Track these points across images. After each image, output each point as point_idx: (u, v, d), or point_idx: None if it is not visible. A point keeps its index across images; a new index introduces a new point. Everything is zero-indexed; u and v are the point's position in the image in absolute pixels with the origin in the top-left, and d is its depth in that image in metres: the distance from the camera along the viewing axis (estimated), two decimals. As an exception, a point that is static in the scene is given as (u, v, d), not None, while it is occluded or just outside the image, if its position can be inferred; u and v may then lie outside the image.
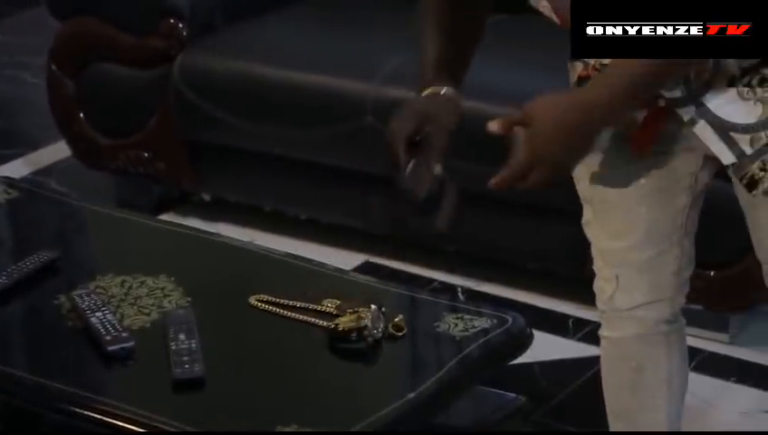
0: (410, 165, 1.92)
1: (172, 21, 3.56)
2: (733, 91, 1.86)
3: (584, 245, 2.23)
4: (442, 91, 1.97)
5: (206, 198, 3.73)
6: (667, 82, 1.85)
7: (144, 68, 3.61)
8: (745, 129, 1.87)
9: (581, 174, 2.07)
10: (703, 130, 1.89)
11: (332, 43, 3.55)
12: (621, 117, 1.90)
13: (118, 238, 2.44)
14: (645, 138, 1.95)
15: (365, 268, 3.37)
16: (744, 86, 1.85)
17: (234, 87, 3.48)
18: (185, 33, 3.55)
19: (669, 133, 1.95)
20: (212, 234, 2.61)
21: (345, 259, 3.37)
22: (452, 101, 1.98)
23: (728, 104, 1.86)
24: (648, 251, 2.07)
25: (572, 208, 2.23)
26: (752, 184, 1.90)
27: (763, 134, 1.87)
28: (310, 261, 2.30)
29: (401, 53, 3.40)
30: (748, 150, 1.88)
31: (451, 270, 3.39)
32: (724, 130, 1.88)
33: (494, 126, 1.81)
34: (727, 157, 1.90)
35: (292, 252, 2.39)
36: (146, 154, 3.66)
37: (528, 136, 1.78)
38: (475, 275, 3.36)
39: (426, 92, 1.98)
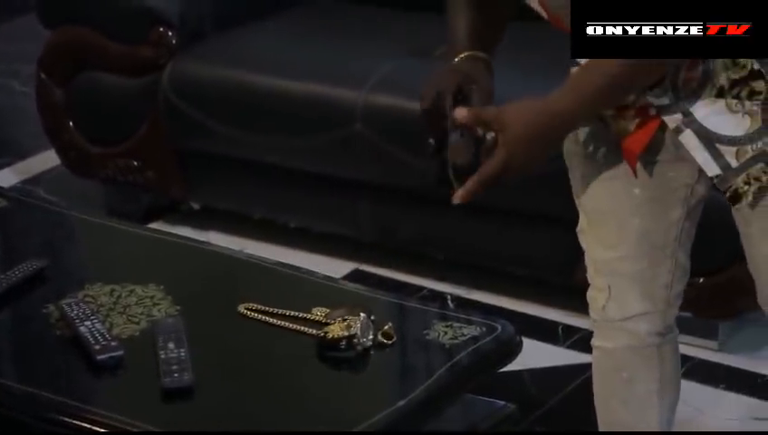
0: (455, 135, 1.85)
1: (161, 29, 3.56)
2: (721, 103, 1.85)
3: (574, 252, 2.23)
4: (479, 55, 1.96)
5: (196, 206, 3.73)
6: (639, 87, 1.85)
7: (133, 76, 3.61)
8: (732, 141, 1.87)
9: (577, 182, 2.07)
10: (689, 140, 1.89)
11: (322, 51, 3.55)
12: (592, 119, 1.91)
13: (107, 247, 2.43)
14: (636, 146, 1.95)
15: (354, 276, 3.37)
16: (733, 98, 1.84)
17: (223, 95, 3.48)
18: (174, 42, 3.55)
19: (661, 142, 1.96)
20: (201, 242, 2.61)
21: (335, 267, 3.37)
22: (489, 66, 1.96)
23: (716, 115, 1.86)
24: (641, 262, 2.06)
25: (562, 215, 2.25)
26: (735, 197, 1.90)
27: (749, 147, 1.86)
28: (299, 269, 2.30)
29: (391, 60, 3.41)
30: (733, 163, 1.88)
31: (441, 278, 3.39)
32: (711, 140, 1.88)
33: (462, 114, 1.81)
34: (712, 168, 1.90)
35: (282, 260, 2.39)
36: (135, 163, 3.66)
37: (502, 143, 1.79)
38: (465, 282, 3.36)
39: (462, 56, 1.96)
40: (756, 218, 1.91)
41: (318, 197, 3.48)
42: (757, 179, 1.88)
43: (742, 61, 1.81)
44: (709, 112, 1.85)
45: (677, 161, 1.96)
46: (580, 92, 1.81)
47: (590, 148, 2.02)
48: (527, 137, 1.79)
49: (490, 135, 1.80)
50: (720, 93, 1.85)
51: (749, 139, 1.86)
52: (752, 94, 1.84)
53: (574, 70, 1.92)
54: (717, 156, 1.88)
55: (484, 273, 3.33)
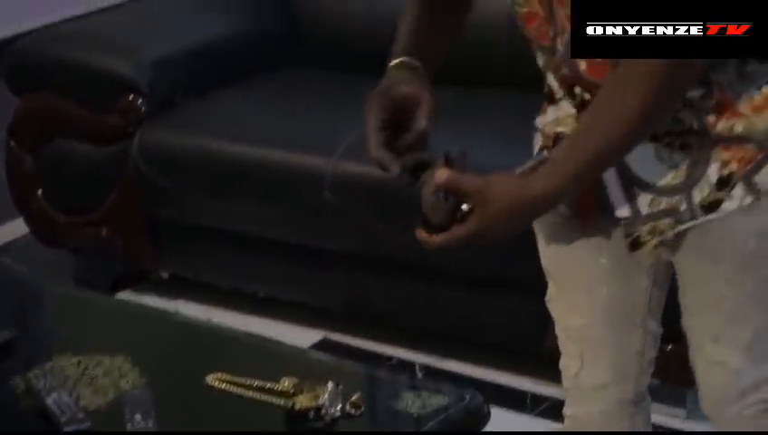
0: (435, 195, 1.80)
1: (131, 97, 3.57)
2: (651, 148, 1.84)
3: (542, 320, 2.24)
4: (408, 62, 1.90)
5: (165, 275, 3.73)
6: (616, 161, 1.84)
7: (103, 144, 3.62)
8: (650, 188, 1.86)
9: (546, 251, 2.07)
10: (609, 174, 1.88)
11: (291, 119, 3.57)
12: (572, 198, 1.89)
13: (75, 317, 2.42)
14: (586, 205, 1.94)
15: (323, 345, 3.37)
16: (665, 146, 1.84)
17: (193, 163, 3.49)
18: (144, 109, 3.56)
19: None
20: (169, 312, 2.61)
21: (304, 336, 3.37)
22: (420, 73, 1.89)
23: (642, 158, 1.85)
24: (612, 331, 2.06)
25: (531, 283, 2.24)
26: (635, 244, 1.90)
27: (664, 199, 1.86)
28: (267, 339, 2.29)
29: (360, 128, 3.42)
30: (644, 210, 1.87)
31: (411, 346, 3.39)
32: (630, 181, 1.87)
33: (441, 178, 1.76)
34: (622, 209, 1.89)
35: (251, 329, 2.39)
36: (104, 231, 3.65)
37: (479, 215, 1.76)
38: (436, 350, 3.37)
39: (392, 63, 1.91)
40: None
41: (287, 265, 3.48)
42: (661, 233, 1.88)
43: (684, 117, 1.81)
44: (637, 154, 1.83)
45: None
46: (565, 173, 1.76)
47: (555, 215, 2.02)
48: (506, 216, 1.76)
49: (467, 206, 1.77)
50: (654, 138, 1.84)
51: (667, 191, 1.85)
52: (683, 147, 1.83)
53: (538, 135, 1.92)
54: (631, 198, 1.88)
55: (455, 341, 3.34)
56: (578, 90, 1.87)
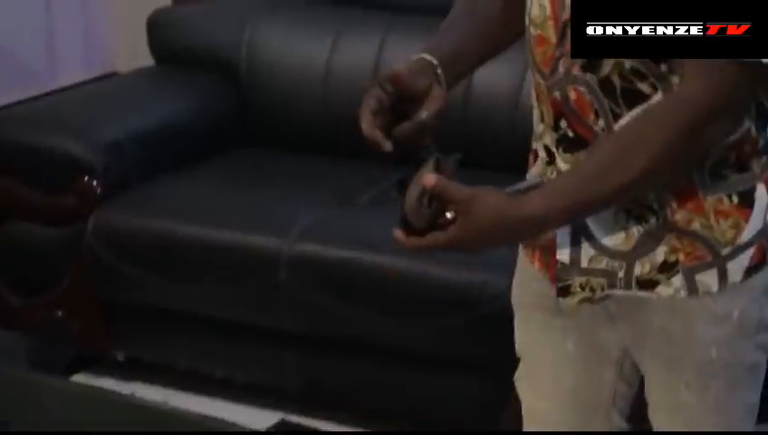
0: (420, 198, 1.76)
1: (86, 179, 3.56)
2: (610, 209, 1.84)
3: (499, 401, 2.23)
4: (427, 59, 1.88)
5: (120, 357, 3.70)
6: (607, 208, 1.83)
7: (57, 226, 3.60)
8: (595, 244, 1.86)
9: (520, 328, 2.06)
10: None
11: (247, 200, 3.57)
12: (555, 229, 1.87)
13: (28, 401, 2.40)
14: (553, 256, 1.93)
15: (281, 427, 3.35)
16: (624, 209, 1.84)
17: (148, 245, 3.48)
18: (98, 191, 3.55)
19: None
20: (125, 395, 2.58)
21: (261, 418, 3.35)
22: (437, 73, 1.88)
23: (597, 215, 1.85)
24: (575, 419, 2.04)
25: (487, 365, 2.25)
26: (564, 292, 1.90)
27: (605, 259, 1.86)
28: (224, 422, 2.28)
29: (315, 209, 3.44)
30: (584, 263, 1.87)
31: (368, 426, 3.38)
32: (579, 230, 1.87)
33: (430, 183, 1.73)
34: (564, 254, 1.88)
35: (208, 411, 2.37)
36: (59, 313, 3.63)
37: (461, 225, 1.74)
38: (392, 430, 3.35)
39: (415, 57, 1.89)
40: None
41: (243, 346, 3.47)
42: (592, 291, 1.88)
43: (648, 193, 1.82)
44: None
45: (609, 321, 1.94)
46: (558, 205, 1.76)
47: (534, 294, 2.01)
48: (487, 230, 1.75)
49: (451, 214, 1.75)
50: None
51: (611, 253, 1.85)
52: (639, 219, 1.83)
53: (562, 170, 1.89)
54: (575, 245, 1.87)
55: (412, 422, 3.32)
56: (563, 123, 1.86)
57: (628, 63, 1.77)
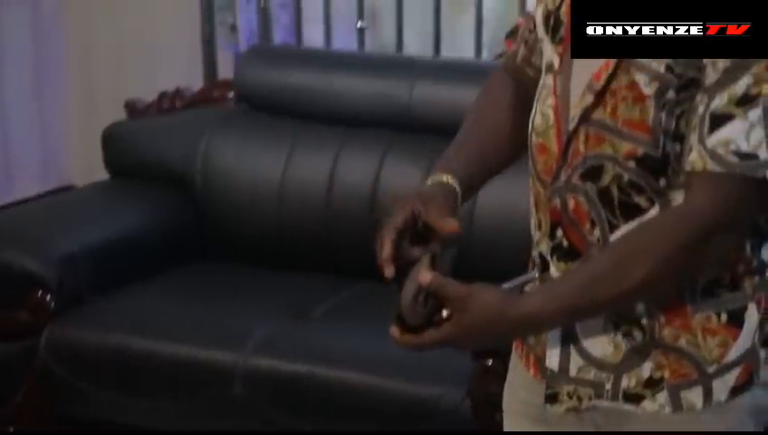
0: (415, 294, 1.76)
1: (39, 293, 3.55)
2: (602, 318, 1.85)
3: None
4: (446, 181, 1.90)
5: (74, 472, 3.66)
6: (603, 314, 1.84)
7: (11, 340, 3.58)
8: (584, 354, 1.87)
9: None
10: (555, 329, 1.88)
11: (201, 313, 3.57)
12: (550, 330, 1.88)
13: None
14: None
15: None
16: (613, 323, 1.84)
17: (102, 360, 3.47)
18: (52, 306, 3.54)
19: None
20: None
21: None
22: (453, 193, 1.90)
23: (589, 323, 1.85)
24: None
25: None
26: (552, 398, 1.90)
27: (593, 370, 1.87)
28: None
29: (269, 322, 3.44)
30: (572, 372, 1.88)
31: None
32: (569, 339, 1.88)
33: (426, 280, 1.74)
34: (553, 361, 1.89)
35: None
36: (11, 429, 3.59)
37: (455, 323, 1.75)
38: None
39: (430, 180, 1.92)
40: None
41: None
42: (579, 400, 1.88)
43: (636, 308, 1.82)
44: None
45: (594, 432, 1.93)
46: (554, 307, 1.77)
47: (517, 402, 2.01)
48: (481, 329, 1.75)
49: (446, 311, 1.75)
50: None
51: (599, 364, 1.86)
52: (626, 335, 1.84)
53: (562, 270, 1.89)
54: (564, 354, 1.88)
55: None
56: (559, 232, 1.88)
57: (627, 176, 1.79)
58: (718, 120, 1.70)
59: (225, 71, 4.36)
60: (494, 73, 2.13)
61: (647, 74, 1.75)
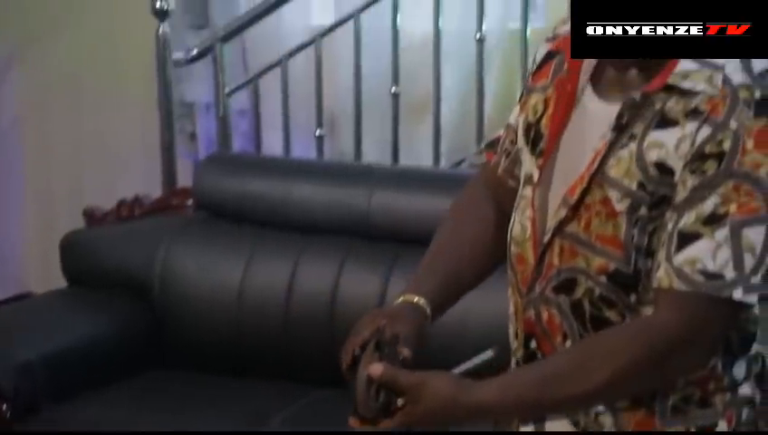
0: (364, 388, 1.78)
1: (-5, 402, 3.52)
2: (565, 421, 1.86)
3: None
4: (415, 301, 1.93)
5: None
6: (560, 413, 1.85)
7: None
8: None
9: None
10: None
11: (159, 422, 3.53)
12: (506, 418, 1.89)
13: None
14: None
15: None
16: (584, 414, 1.85)
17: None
18: (8, 415, 3.51)
19: None
20: None
21: None
22: (422, 314, 1.92)
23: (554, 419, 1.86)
24: None
25: None
26: None
27: None
28: None
29: (228, 430, 3.42)
30: None
31: None
32: (540, 422, 1.88)
33: (377, 372, 1.76)
34: None
35: None
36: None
37: (409, 411, 1.76)
38: None
39: (399, 300, 1.94)
40: None
41: None
42: None
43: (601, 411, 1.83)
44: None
45: None
46: (510, 398, 1.78)
47: None
48: (438, 417, 1.76)
49: (400, 401, 1.76)
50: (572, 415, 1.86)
51: None
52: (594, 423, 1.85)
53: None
54: None
55: None
56: (533, 343, 1.89)
57: (598, 290, 1.80)
58: (686, 239, 1.72)
59: (185, 178, 4.38)
60: (470, 184, 2.15)
61: (619, 191, 1.77)
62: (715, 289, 1.71)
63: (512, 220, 1.95)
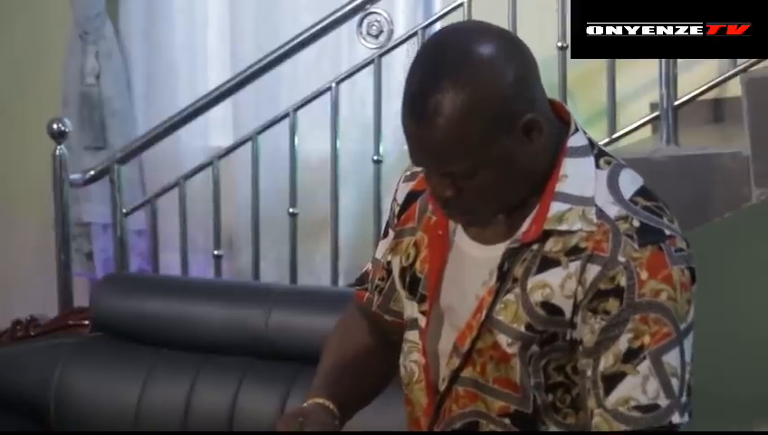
0: None
1: None
2: None
3: None
4: (325, 404, 1.91)
5: None
6: None
7: None
8: None
9: None
10: None
11: None
12: None
13: None
14: None
15: None
16: None
17: None
18: None
19: None
20: None
21: None
22: (332, 414, 1.90)
23: None
24: None
25: None
26: None
27: None
28: None
29: None
30: None
31: None
32: None
33: None
34: None
35: None
36: None
37: None
38: None
39: (309, 402, 1.92)
40: None
41: None
42: None
43: None
44: None
45: None
46: None
47: None
48: None
49: None
50: None
51: None
52: None
53: None
54: None
55: None
56: None
57: (501, 431, 1.80)
58: (611, 381, 1.73)
59: (81, 298, 4.35)
60: (349, 312, 2.14)
61: (509, 335, 1.78)
62: (655, 420, 1.72)
63: (399, 362, 1.95)
